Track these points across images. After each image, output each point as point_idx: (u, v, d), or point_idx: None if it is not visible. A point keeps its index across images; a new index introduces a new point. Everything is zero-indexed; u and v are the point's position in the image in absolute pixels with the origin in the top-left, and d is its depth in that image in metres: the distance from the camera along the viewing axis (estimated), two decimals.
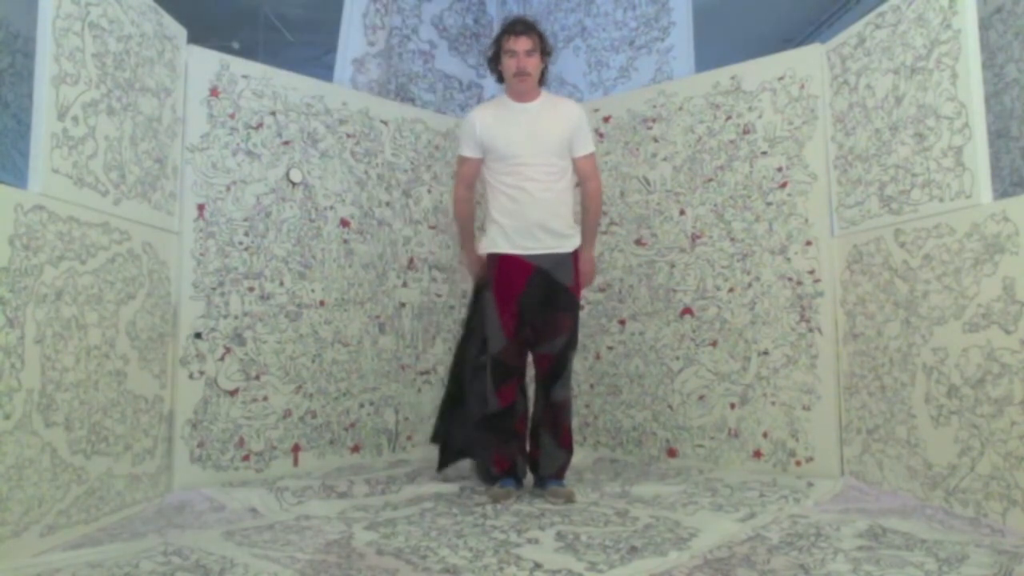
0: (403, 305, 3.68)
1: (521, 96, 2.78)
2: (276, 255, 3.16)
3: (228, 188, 3.01)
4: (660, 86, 3.65)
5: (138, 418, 2.52)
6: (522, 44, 2.70)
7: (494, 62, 2.83)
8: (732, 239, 3.28)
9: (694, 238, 3.40)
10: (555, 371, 2.75)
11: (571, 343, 2.77)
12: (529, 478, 2.88)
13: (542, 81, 2.84)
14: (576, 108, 2.86)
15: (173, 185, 2.82)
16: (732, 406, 3.23)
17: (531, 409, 2.88)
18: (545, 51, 2.79)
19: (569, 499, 2.65)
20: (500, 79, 2.85)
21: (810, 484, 2.79)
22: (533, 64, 2.73)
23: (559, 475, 2.79)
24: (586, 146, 2.80)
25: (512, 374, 2.76)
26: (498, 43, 2.78)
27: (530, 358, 2.85)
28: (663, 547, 2.05)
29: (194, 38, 2.96)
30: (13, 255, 1.95)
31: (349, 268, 3.44)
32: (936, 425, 2.44)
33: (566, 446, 2.80)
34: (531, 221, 2.70)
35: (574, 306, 2.80)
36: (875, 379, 2.74)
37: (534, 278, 2.71)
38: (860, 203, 2.84)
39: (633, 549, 2.04)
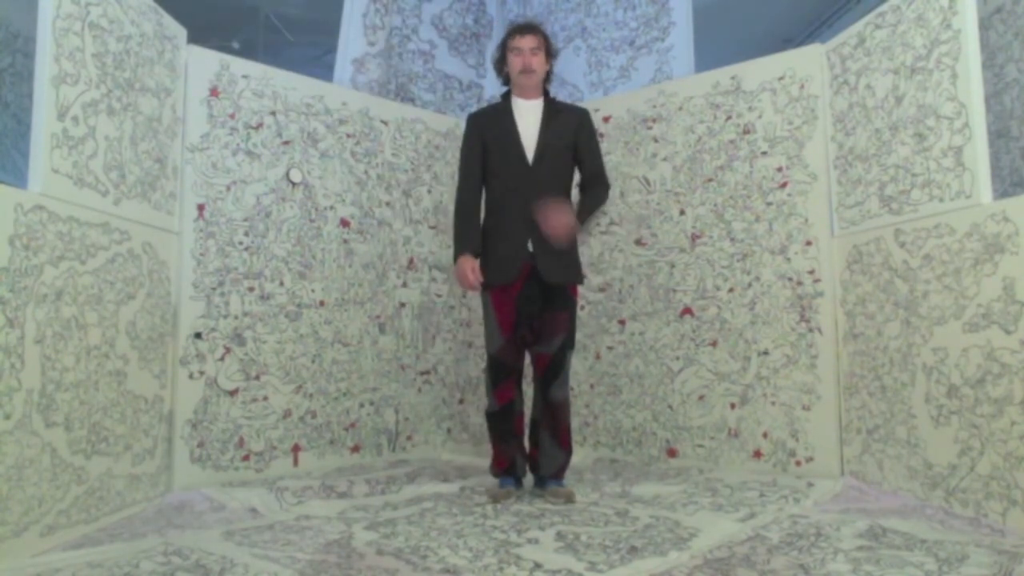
0: (403, 305, 3.68)
1: (525, 92, 2.82)
2: (276, 255, 3.16)
3: (228, 188, 3.01)
4: (660, 86, 3.65)
5: (138, 418, 2.52)
6: (527, 42, 2.77)
7: (500, 63, 2.87)
8: (732, 239, 3.28)
9: (694, 238, 3.40)
10: (553, 371, 2.75)
11: (568, 342, 2.77)
12: (529, 478, 2.88)
13: (547, 81, 2.88)
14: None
15: (173, 185, 2.82)
16: (732, 406, 3.22)
17: (528, 409, 2.88)
18: (550, 52, 2.84)
19: (569, 499, 2.65)
20: (506, 81, 2.89)
21: (810, 484, 2.79)
22: (538, 62, 2.78)
23: (559, 475, 2.79)
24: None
25: (510, 373, 2.77)
26: (504, 45, 2.84)
27: (527, 359, 2.85)
28: (663, 547, 2.06)
29: (194, 38, 2.97)
30: (13, 255, 1.95)
31: (349, 268, 3.44)
32: (936, 425, 2.44)
33: (565, 446, 2.80)
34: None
35: (571, 305, 2.80)
36: (875, 379, 2.74)
37: (531, 277, 2.71)
38: (860, 203, 2.84)
39: (633, 549, 2.04)
